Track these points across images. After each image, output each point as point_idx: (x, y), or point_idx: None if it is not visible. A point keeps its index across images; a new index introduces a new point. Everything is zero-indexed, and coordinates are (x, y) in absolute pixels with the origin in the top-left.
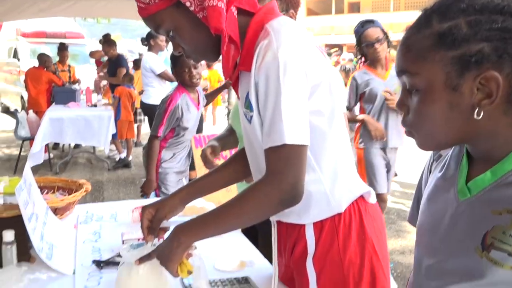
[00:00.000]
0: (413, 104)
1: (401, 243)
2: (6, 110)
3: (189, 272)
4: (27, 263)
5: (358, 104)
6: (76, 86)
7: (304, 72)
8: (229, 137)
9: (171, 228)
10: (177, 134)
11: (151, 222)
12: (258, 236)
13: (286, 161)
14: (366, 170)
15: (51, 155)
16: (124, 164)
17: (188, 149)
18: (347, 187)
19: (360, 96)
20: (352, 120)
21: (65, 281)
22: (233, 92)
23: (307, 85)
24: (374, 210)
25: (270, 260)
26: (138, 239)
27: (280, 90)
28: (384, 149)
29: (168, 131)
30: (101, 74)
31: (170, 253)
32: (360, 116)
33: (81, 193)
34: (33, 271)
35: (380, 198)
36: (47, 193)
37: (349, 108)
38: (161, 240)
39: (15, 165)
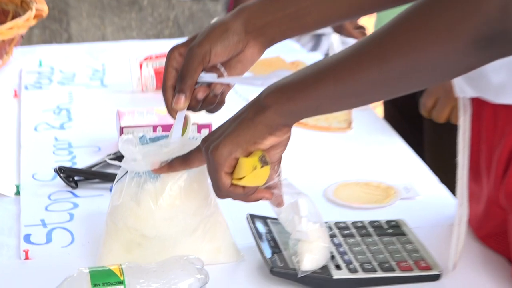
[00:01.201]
0: None
1: None
2: None
3: (255, 179)
4: None
5: None
6: None
7: None
8: None
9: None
10: None
11: (183, 76)
12: (424, 137)
13: None
14: None
15: None
16: None
17: None
18: None
19: None
20: None
21: (2, 207)
22: None
23: None
24: None
25: (450, 187)
26: (154, 127)
27: None
28: None
29: None
30: None
31: (237, 129)
32: None
33: (27, 20)
34: None
35: None
36: None
37: None
38: (204, 133)
39: None
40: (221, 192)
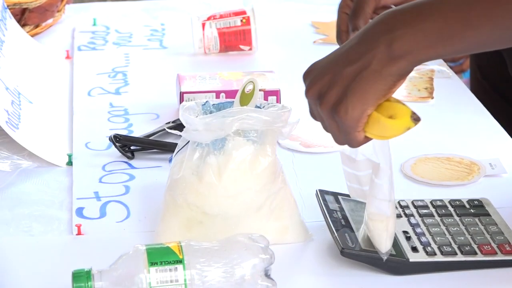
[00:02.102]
0: None
1: None
2: None
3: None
4: None
5: None
6: None
7: None
8: None
9: None
10: None
11: (356, 13)
12: None
13: None
14: None
15: None
16: None
17: None
18: None
19: None
20: None
21: (53, 179)
22: None
23: None
24: None
25: None
26: (217, 93)
27: None
28: None
29: None
30: None
31: (363, 85)
32: None
33: None
34: None
35: None
36: None
37: None
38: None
39: None
40: (352, 146)
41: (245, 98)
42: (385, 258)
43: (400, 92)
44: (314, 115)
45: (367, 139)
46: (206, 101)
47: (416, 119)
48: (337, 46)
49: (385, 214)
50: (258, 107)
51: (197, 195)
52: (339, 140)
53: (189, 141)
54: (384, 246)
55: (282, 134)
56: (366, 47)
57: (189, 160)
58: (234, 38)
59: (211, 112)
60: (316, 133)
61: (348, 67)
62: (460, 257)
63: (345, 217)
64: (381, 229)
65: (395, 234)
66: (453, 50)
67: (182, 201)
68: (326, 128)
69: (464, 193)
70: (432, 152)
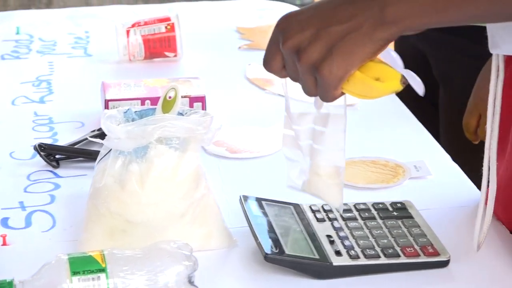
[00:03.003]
0: None
1: None
2: None
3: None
4: None
5: None
6: None
7: None
8: None
9: None
10: None
11: None
12: (440, 114)
13: None
14: None
15: None
16: None
17: None
18: None
19: None
20: None
21: None
22: None
23: None
24: None
25: (464, 167)
26: (142, 100)
27: None
28: None
29: None
30: None
31: (351, 46)
32: None
33: None
34: None
35: None
36: None
37: None
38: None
39: None
40: (326, 101)
41: (167, 105)
42: (341, 211)
43: None
44: (275, 65)
45: (342, 95)
46: (128, 109)
47: (404, 82)
48: (263, 51)
49: (339, 164)
50: (181, 114)
51: (120, 203)
52: (312, 94)
53: (111, 149)
54: (338, 200)
55: (204, 140)
56: (358, 8)
57: (111, 168)
58: (159, 45)
59: (133, 120)
60: (242, 138)
61: (336, 26)
62: (383, 260)
63: (269, 223)
64: (334, 183)
65: (319, 238)
66: (447, 21)
67: (105, 210)
68: (295, 80)
69: (389, 196)
70: (358, 155)
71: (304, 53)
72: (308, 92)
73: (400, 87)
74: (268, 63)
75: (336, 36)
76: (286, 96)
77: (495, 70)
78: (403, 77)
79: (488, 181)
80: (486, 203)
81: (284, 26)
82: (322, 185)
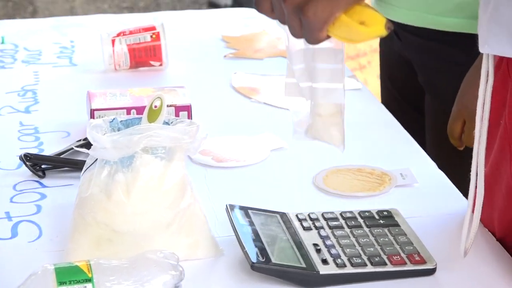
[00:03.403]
0: None
1: None
2: None
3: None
4: None
5: None
6: None
7: None
8: None
9: None
10: None
11: None
12: (426, 122)
13: None
14: None
15: None
16: None
17: None
18: None
19: None
20: None
21: None
22: None
23: None
24: None
25: (450, 175)
26: (128, 110)
27: None
28: None
29: None
30: None
31: None
32: None
33: None
34: None
35: None
36: None
37: None
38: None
39: None
40: (311, 43)
41: (153, 115)
42: (343, 150)
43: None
44: (264, 6)
45: (327, 38)
46: (114, 118)
47: (389, 27)
48: (248, 60)
49: (339, 101)
50: (166, 123)
51: (106, 213)
52: (298, 35)
53: (97, 159)
54: (339, 139)
55: (190, 150)
56: None
57: (97, 178)
58: (144, 54)
59: (119, 129)
60: (228, 147)
61: None
62: (370, 268)
63: (255, 231)
64: (335, 122)
65: (305, 247)
66: None
67: (91, 220)
68: (282, 21)
69: (376, 204)
70: (343, 164)
71: None
72: (294, 33)
73: (384, 32)
74: (258, 4)
75: None
76: (288, 36)
77: (485, 75)
78: (388, 22)
79: (476, 187)
80: (473, 209)
81: None
82: (323, 126)
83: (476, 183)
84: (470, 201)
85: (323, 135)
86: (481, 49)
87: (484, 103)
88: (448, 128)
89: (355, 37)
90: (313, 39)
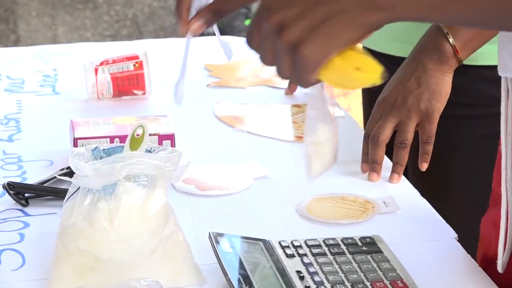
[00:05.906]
0: None
1: None
2: None
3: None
4: None
5: None
6: None
7: None
8: None
9: None
10: None
11: None
12: None
13: None
14: None
15: None
16: None
17: None
18: None
19: None
20: None
21: None
22: None
23: None
24: None
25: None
26: (111, 138)
27: None
28: None
29: None
30: None
31: (335, 29)
32: None
33: None
34: None
35: None
36: None
37: None
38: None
39: None
40: (302, 85)
41: (135, 143)
42: (310, 182)
43: (277, 131)
44: (254, 42)
45: (318, 81)
46: (96, 147)
47: (384, 77)
48: (231, 89)
49: (328, 137)
50: (149, 151)
51: (89, 241)
52: (286, 76)
53: (80, 187)
54: (314, 170)
55: (173, 177)
56: None
57: (80, 206)
58: (127, 83)
59: (101, 158)
60: (211, 176)
61: (323, 6)
62: None
63: (238, 259)
64: (318, 152)
65: (289, 274)
66: (440, 18)
67: (74, 248)
68: (267, 61)
69: (359, 231)
70: (326, 192)
71: (287, 30)
72: (282, 74)
73: (379, 81)
74: (250, 39)
75: (321, 16)
76: None
77: (505, 92)
78: (384, 72)
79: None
80: (507, 221)
81: (271, 1)
82: (310, 151)
83: (507, 197)
84: (503, 217)
85: (307, 160)
86: (500, 73)
87: (507, 120)
88: (367, 129)
89: (348, 83)
90: (303, 80)
